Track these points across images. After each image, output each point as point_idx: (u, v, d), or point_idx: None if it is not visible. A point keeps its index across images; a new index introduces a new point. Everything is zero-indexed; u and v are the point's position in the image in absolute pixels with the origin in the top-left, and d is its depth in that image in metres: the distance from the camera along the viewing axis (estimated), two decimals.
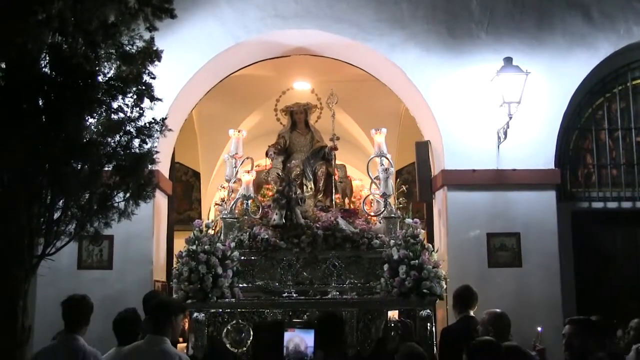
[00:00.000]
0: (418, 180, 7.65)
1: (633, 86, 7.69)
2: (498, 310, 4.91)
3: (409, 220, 6.66)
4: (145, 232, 6.78)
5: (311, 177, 7.53)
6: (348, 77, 8.67)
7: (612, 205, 7.56)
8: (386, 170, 6.85)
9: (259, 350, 4.96)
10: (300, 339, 4.90)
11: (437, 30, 7.24)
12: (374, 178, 7.00)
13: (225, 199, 7.07)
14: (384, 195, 6.80)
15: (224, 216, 6.80)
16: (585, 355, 3.72)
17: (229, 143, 7.35)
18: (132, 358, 4.11)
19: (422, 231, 6.76)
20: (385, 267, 6.44)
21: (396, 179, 10.08)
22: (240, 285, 6.44)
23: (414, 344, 4.49)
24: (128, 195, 4.54)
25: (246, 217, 6.90)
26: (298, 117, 7.89)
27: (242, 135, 7.22)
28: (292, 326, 5.10)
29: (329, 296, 6.48)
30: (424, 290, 6.25)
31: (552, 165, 7.16)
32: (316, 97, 8.08)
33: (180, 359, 4.07)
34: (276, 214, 6.74)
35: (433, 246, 7.37)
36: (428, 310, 6.31)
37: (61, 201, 4.27)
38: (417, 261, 6.30)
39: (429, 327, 6.30)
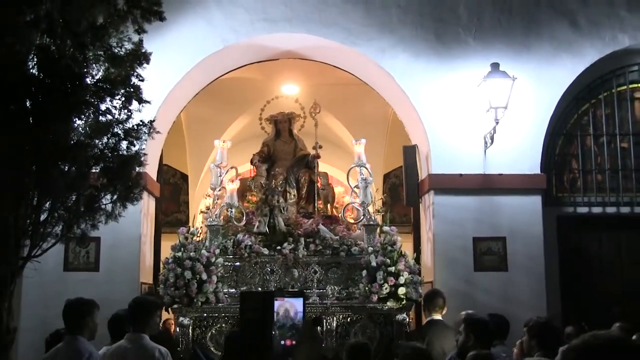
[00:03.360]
0: (405, 184, 7.69)
1: (618, 92, 7.76)
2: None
3: (386, 228, 6.86)
4: (132, 234, 6.77)
5: (294, 184, 7.70)
6: (336, 81, 8.71)
7: (596, 210, 7.62)
8: (365, 179, 7.01)
9: (250, 318, 5.09)
10: (290, 304, 5.15)
11: (426, 36, 7.29)
12: (354, 187, 7.14)
13: (211, 207, 7.19)
14: (363, 204, 6.94)
15: (209, 223, 6.90)
16: (467, 350, 3.97)
17: (215, 152, 7.45)
18: (116, 355, 4.32)
19: (399, 238, 6.90)
20: (364, 273, 6.59)
21: (383, 183, 10.18)
22: (225, 290, 6.56)
23: (415, 343, 4.55)
24: (115, 197, 4.54)
25: (231, 224, 7.02)
26: (282, 126, 8.07)
27: (227, 145, 7.38)
28: (282, 295, 5.32)
29: (310, 301, 6.55)
30: (401, 296, 6.44)
31: (538, 170, 7.22)
32: (300, 106, 8.16)
33: (159, 352, 4.31)
34: (259, 222, 6.92)
35: (420, 250, 7.46)
36: (404, 315, 6.53)
37: (48, 203, 4.27)
38: (394, 268, 6.48)
39: (405, 331, 6.51)
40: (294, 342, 4.95)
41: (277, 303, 5.17)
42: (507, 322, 5.42)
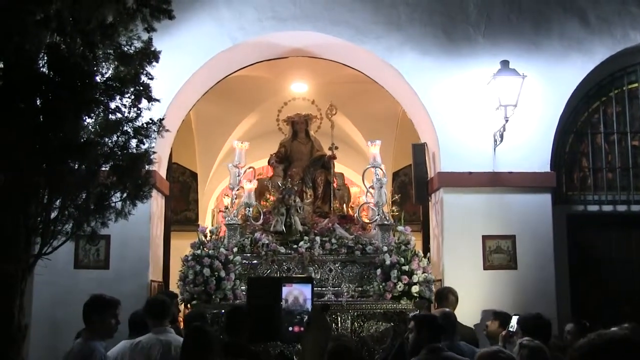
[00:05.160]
0: (414, 182, 7.68)
1: (629, 90, 7.71)
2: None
3: (400, 228, 6.96)
4: (142, 233, 6.79)
5: (311, 184, 7.84)
6: (345, 79, 8.70)
7: (607, 208, 7.58)
8: (380, 180, 7.09)
9: (258, 304, 5.11)
10: (299, 291, 5.21)
11: (434, 33, 7.26)
12: (369, 187, 7.22)
13: (229, 206, 7.34)
14: (377, 204, 7.02)
15: (228, 222, 7.04)
16: (421, 346, 4.08)
17: (230, 151, 7.62)
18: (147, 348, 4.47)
19: (413, 238, 6.98)
20: (378, 271, 6.70)
21: (393, 181, 10.16)
22: (242, 287, 6.64)
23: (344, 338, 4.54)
24: (125, 195, 4.55)
25: (248, 223, 7.15)
26: (299, 127, 8.23)
27: (245, 146, 7.47)
28: (290, 282, 5.36)
29: (325, 298, 6.62)
30: (414, 294, 6.55)
31: (548, 168, 7.19)
32: (317, 107, 8.22)
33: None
34: (276, 221, 7.03)
35: (429, 248, 7.45)
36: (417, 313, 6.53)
37: (58, 200, 4.28)
38: (407, 267, 6.58)
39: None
40: (302, 329, 4.97)
41: (285, 289, 5.19)
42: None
